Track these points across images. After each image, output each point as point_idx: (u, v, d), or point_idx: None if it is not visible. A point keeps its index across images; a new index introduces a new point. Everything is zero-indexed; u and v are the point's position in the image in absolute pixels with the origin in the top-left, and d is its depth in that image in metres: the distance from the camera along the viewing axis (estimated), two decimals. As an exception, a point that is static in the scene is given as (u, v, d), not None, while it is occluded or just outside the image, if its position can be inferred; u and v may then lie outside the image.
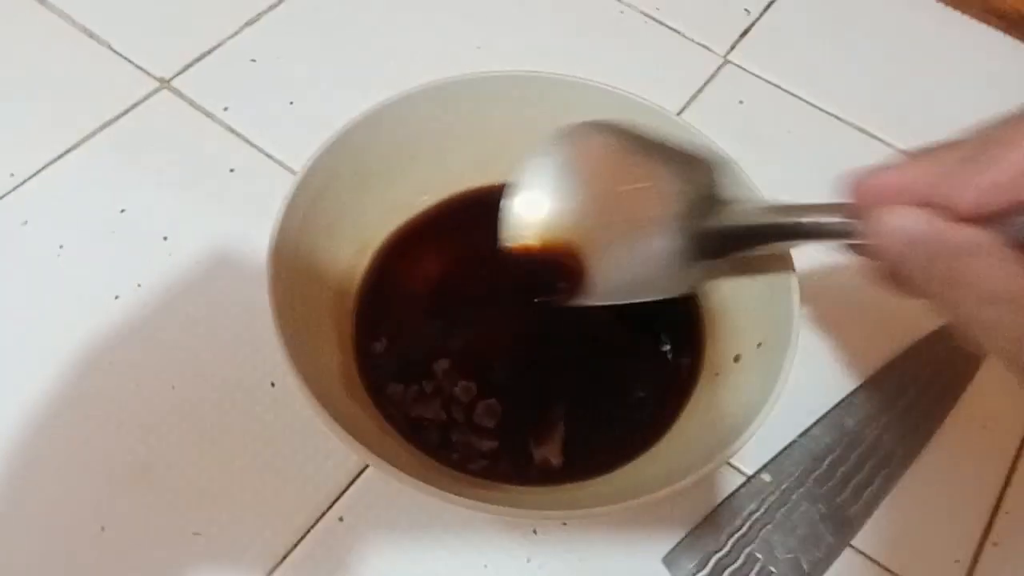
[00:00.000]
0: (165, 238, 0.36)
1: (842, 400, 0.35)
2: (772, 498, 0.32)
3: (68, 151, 0.38)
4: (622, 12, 0.47)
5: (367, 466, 0.31)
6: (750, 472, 0.33)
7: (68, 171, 0.38)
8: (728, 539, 0.31)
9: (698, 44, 0.46)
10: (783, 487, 0.32)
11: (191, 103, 0.40)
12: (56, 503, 0.30)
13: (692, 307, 0.33)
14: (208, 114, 0.40)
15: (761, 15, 0.47)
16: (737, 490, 0.32)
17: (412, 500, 0.31)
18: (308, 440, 0.32)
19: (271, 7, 0.44)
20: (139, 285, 0.35)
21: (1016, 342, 0.19)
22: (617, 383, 0.32)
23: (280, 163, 0.39)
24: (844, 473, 0.33)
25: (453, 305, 0.33)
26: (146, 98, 0.40)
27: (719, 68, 0.45)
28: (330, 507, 0.31)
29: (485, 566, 0.30)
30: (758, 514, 0.32)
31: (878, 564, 0.31)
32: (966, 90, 0.45)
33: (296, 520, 0.30)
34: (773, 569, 0.30)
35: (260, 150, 0.39)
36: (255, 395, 0.33)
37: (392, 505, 0.31)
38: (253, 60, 0.42)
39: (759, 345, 0.29)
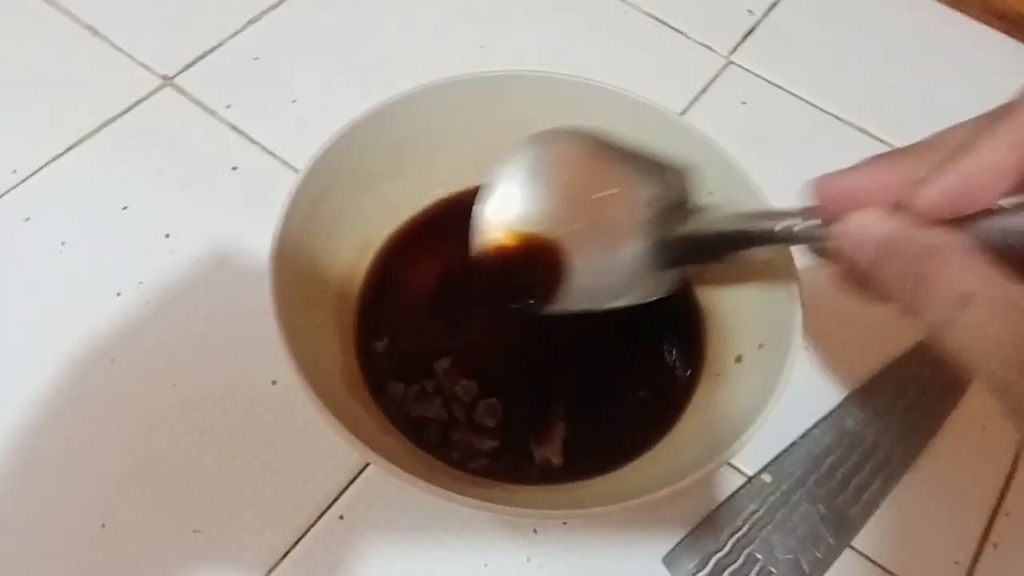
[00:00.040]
0: (167, 235, 0.36)
1: (842, 401, 0.35)
2: (772, 499, 0.32)
3: (70, 148, 0.38)
4: (625, 12, 0.47)
5: (367, 465, 0.31)
6: (750, 472, 0.33)
7: (70, 168, 0.38)
8: (728, 539, 0.31)
9: (701, 44, 0.46)
10: (783, 488, 0.32)
11: (193, 101, 0.40)
12: (57, 501, 0.30)
13: (694, 307, 0.33)
14: (210, 112, 0.40)
15: (764, 16, 0.47)
16: (737, 490, 0.32)
17: (412, 499, 0.31)
18: (309, 439, 0.32)
19: (273, 6, 0.44)
20: (141, 282, 0.35)
21: (992, 341, 0.18)
22: (618, 383, 0.32)
23: (282, 161, 0.39)
24: (844, 474, 0.33)
25: (454, 304, 0.33)
26: (149, 96, 0.40)
27: (722, 69, 0.45)
28: (330, 506, 0.31)
29: (485, 565, 0.30)
30: (758, 514, 0.32)
31: (878, 565, 0.31)
32: (966, 90, 0.44)
33: (296, 519, 0.30)
34: (773, 569, 0.30)
35: (262, 148, 0.39)
36: (256, 393, 0.33)
37: (392, 504, 0.31)
38: (256, 58, 0.42)
39: (760, 346, 0.30)
